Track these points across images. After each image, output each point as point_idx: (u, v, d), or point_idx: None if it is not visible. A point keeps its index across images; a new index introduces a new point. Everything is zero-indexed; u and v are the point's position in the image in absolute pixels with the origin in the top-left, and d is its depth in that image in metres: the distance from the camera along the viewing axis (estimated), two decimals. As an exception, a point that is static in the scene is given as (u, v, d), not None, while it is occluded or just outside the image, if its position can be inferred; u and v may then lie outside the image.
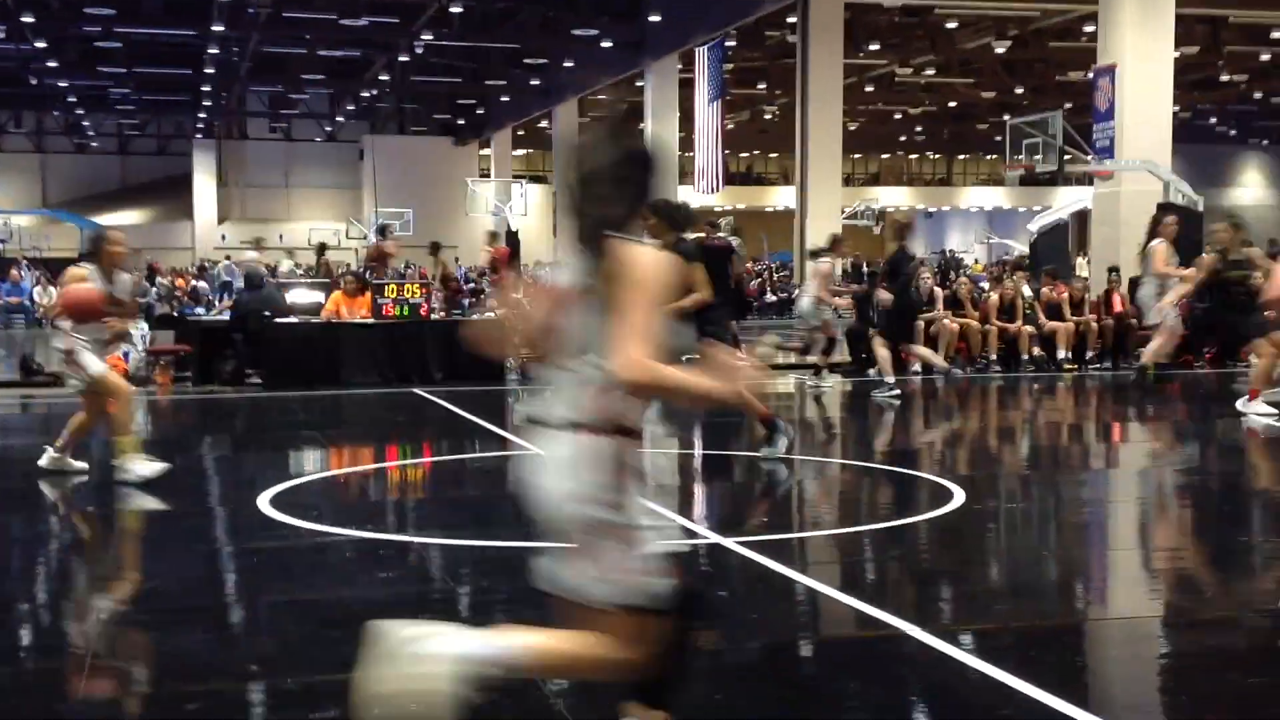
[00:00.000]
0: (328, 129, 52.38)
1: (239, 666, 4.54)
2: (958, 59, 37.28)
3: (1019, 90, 40.98)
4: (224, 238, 48.43)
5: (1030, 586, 5.91)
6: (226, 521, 7.44)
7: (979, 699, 4.19)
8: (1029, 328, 15.87)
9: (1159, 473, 9.41)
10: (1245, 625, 5.16)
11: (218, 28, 30.88)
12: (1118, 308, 16.56)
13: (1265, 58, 35.62)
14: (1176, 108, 31.92)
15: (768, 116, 47.47)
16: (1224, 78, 38.79)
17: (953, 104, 46.04)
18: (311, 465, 9.53)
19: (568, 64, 36.35)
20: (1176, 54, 23.45)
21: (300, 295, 16.57)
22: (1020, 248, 26.47)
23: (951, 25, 32.38)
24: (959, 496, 7.47)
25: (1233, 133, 51.76)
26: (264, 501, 7.36)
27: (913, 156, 61.45)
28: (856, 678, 4.53)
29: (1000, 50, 34.42)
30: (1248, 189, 53.99)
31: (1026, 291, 16.34)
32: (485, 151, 51.21)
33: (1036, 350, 15.84)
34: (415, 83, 42.36)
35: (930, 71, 39.14)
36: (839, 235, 15.58)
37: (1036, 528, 7.40)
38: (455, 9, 29.62)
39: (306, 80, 42.76)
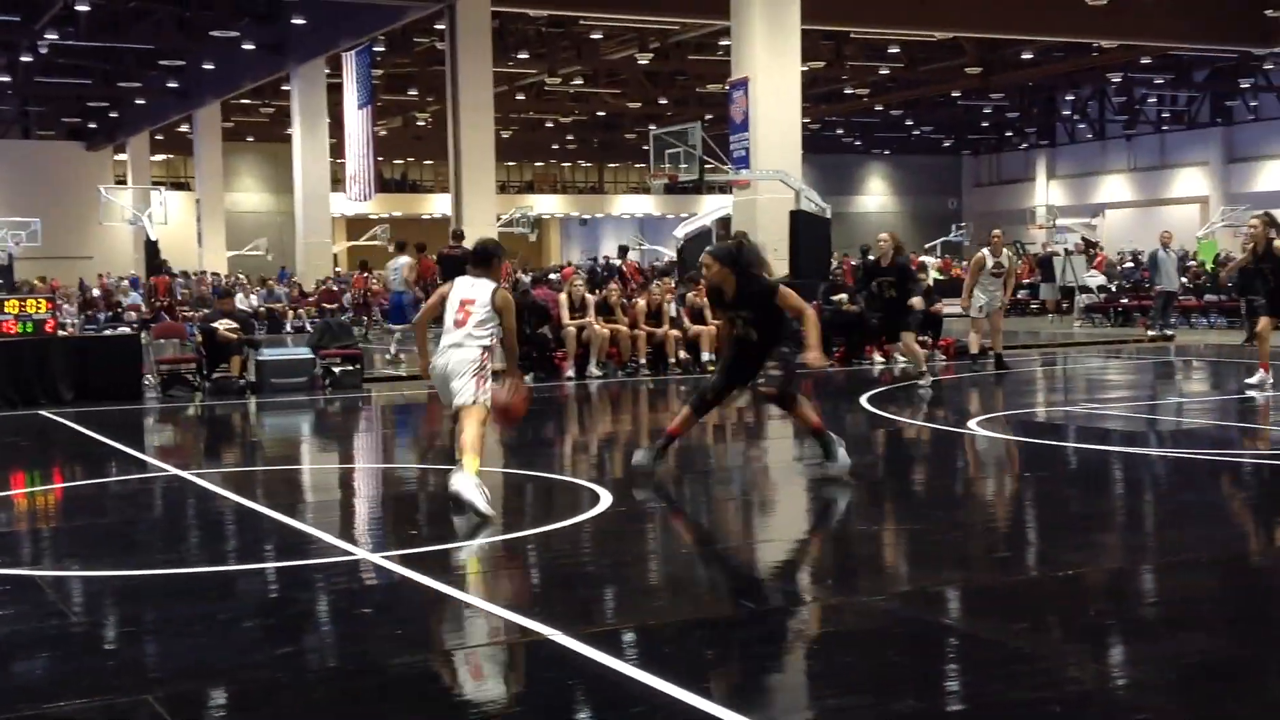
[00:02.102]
0: (-58, 133, 48.34)
1: None
2: (604, 69, 38.17)
3: (663, 101, 42.35)
4: None
5: (669, 585, 6.13)
6: None
7: (614, 697, 4.31)
8: (675, 331, 16.43)
9: (796, 468, 9.94)
10: (883, 608, 5.50)
11: None
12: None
13: (884, 72, 38.20)
14: (807, 119, 33.80)
15: (420, 123, 47.17)
16: (848, 91, 41.35)
17: (601, 113, 47.08)
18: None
19: (207, 66, 34.93)
20: (805, 68, 24.83)
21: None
22: (669, 254, 27.45)
23: (596, 36, 33.10)
24: (605, 499, 7.65)
25: (858, 143, 55.21)
26: None
27: (566, 164, 62.47)
28: (499, 685, 4.57)
29: (644, 62, 35.46)
30: (873, 197, 57.81)
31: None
32: (121, 157, 48.56)
33: (683, 354, 16.42)
34: (40, 84, 39.67)
35: (578, 81, 39.90)
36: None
37: (680, 527, 7.68)
38: (82, 7, 27.91)
39: (-85, 80, 39.26)
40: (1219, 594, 5.86)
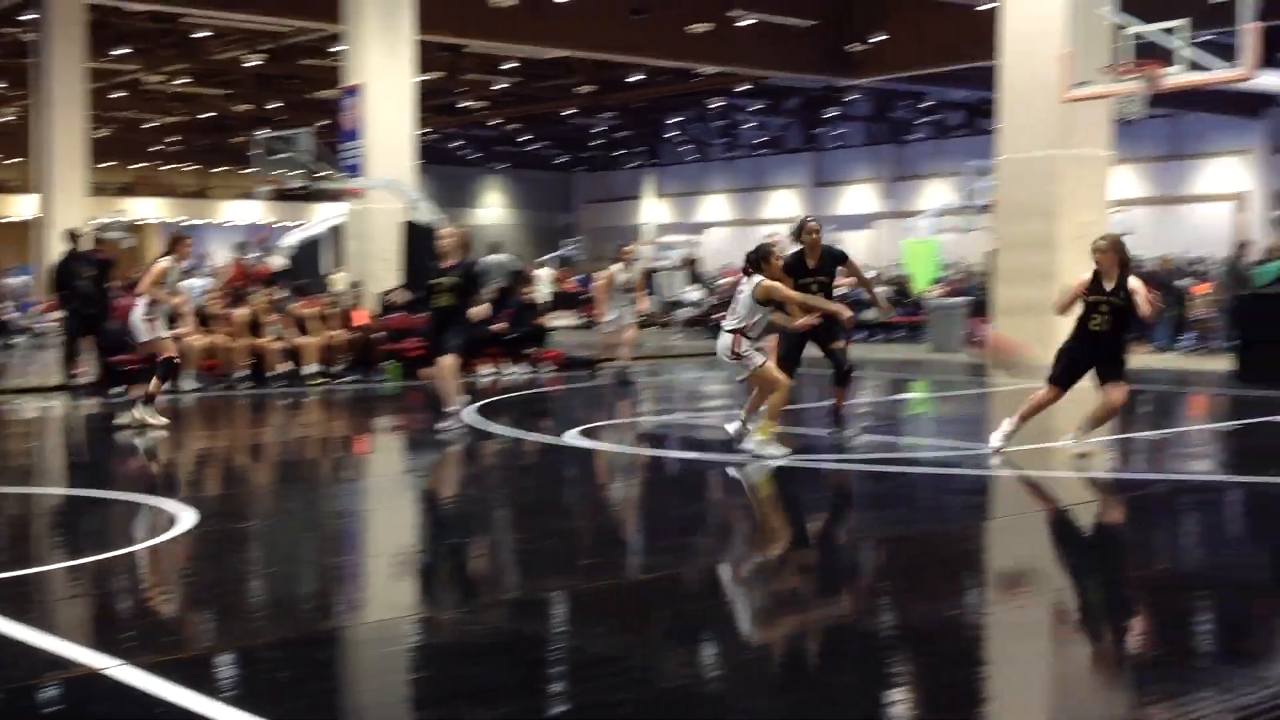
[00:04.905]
0: None
1: None
2: (211, 70, 36.63)
3: (274, 105, 41.09)
4: None
5: (248, 606, 5.89)
6: None
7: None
8: (278, 342, 15.93)
9: (401, 481, 9.84)
10: (474, 619, 5.50)
11: None
12: (362, 321, 17.17)
13: (500, 86, 38.56)
14: (429, 129, 33.66)
15: (6, 119, 43.72)
16: (466, 103, 41.50)
17: (207, 115, 45.15)
18: None
19: None
20: (424, 78, 24.71)
21: None
22: (280, 262, 26.67)
23: (201, 35, 31.75)
24: (189, 519, 7.28)
25: (476, 156, 55.51)
26: None
27: (168, 167, 59.48)
28: (53, 724, 4.25)
29: (253, 64, 34.30)
30: (490, 209, 58.26)
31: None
32: None
33: (285, 365, 15.93)
34: None
35: (183, 80, 38.13)
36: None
37: (266, 545, 7.40)
38: None
39: None
40: (798, 591, 6.21)
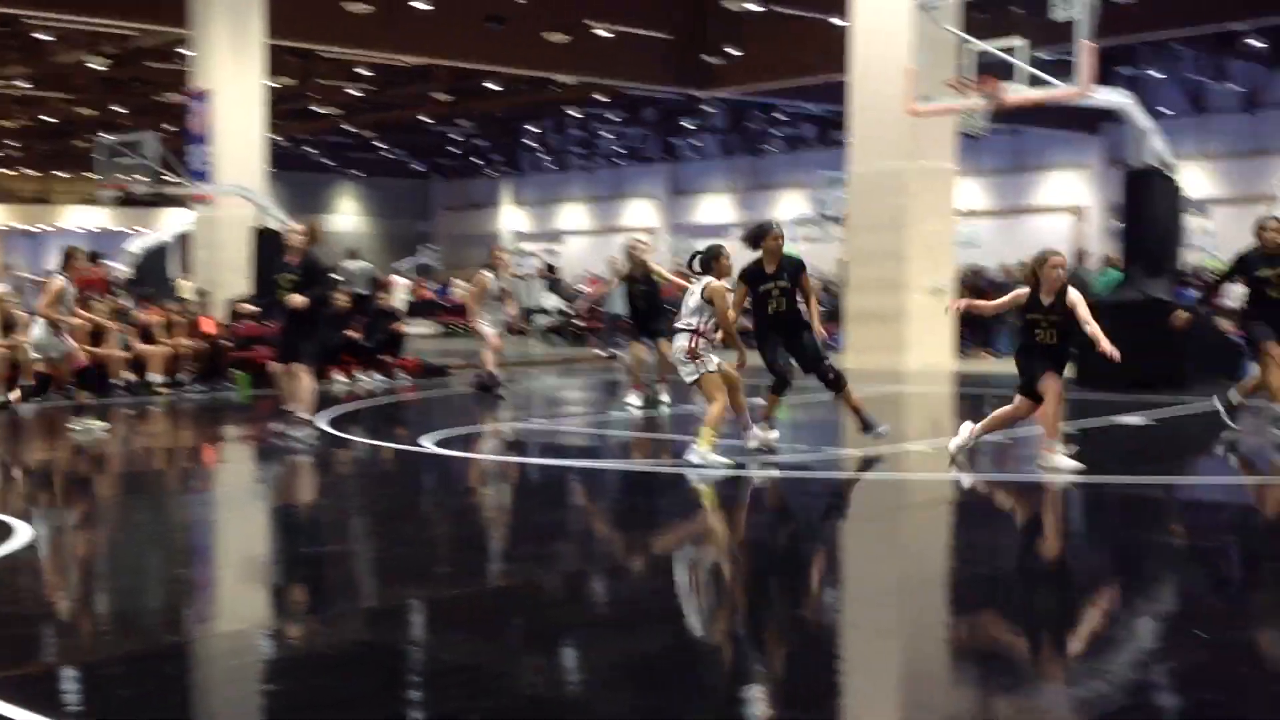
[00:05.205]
0: None
1: None
2: (53, 72, 35.45)
3: (121, 109, 39.96)
4: None
5: (90, 619, 5.72)
6: None
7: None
8: (123, 352, 15.49)
9: (247, 491, 9.64)
10: (337, 630, 5.42)
11: None
12: (210, 329, 16.80)
13: (355, 93, 38.06)
14: (279, 136, 33.07)
15: None
16: (319, 109, 40.87)
17: (49, 119, 43.69)
18: None
19: None
20: (277, 84, 24.28)
21: None
22: (123, 269, 25.94)
23: (43, 37, 30.72)
24: (24, 534, 7.03)
25: (330, 163, 54.68)
26: None
27: (8, 172, 57.40)
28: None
29: (98, 67, 33.33)
30: (345, 216, 57.51)
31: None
32: None
33: (130, 375, 15.49)
34: None
35: (23, 84, 36.87)
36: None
37: (111, 556, 7.19)
38: None
39: None
40: (655, 596, 6.24)
